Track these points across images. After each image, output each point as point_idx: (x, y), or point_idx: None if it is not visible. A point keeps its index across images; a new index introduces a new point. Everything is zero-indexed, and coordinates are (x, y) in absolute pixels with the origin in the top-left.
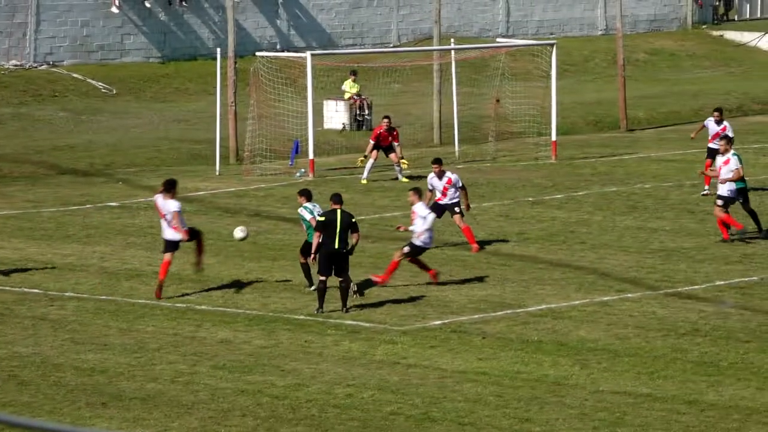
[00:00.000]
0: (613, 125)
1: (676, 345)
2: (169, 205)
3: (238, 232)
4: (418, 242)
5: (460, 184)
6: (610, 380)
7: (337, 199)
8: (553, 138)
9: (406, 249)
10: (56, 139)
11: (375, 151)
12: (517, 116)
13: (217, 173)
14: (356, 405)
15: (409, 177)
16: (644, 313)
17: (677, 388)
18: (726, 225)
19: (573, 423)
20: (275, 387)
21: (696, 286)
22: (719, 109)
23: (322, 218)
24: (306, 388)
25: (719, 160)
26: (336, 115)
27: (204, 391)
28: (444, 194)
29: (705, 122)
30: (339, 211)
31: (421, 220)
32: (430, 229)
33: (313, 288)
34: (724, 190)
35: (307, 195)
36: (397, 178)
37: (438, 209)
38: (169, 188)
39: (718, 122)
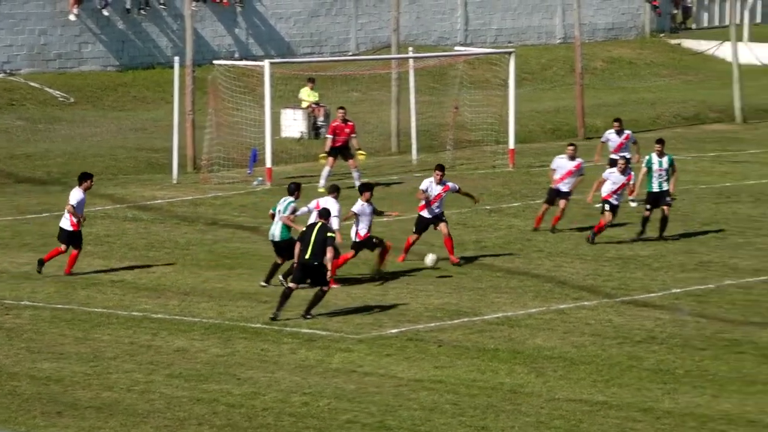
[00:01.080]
0: (570, 133)
1: (632, 353)
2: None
3: (429, 261)
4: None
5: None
6: (566, 388)
7: (321, 212)
8: (511, 146)
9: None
10: (13, 147)
11: (332, 158)
12: (475, 124)
13: (175, 182)
14: (312, 413)
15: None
16: (600, 321)
17: (633, 396)
18: (600, 230)
19: (529, 431)
20: (231, 395)
21: (652, 294)
22: (618, 120)
23: (303, 230)
24: (262, 396)
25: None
26: (294, 124)
27: (160, 400)
28: (432, 202)
29: (604, 135)
30: (318, 225)
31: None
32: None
33: (263, 284)
34: (615, 199)
35: (288, 189)
36: (354, 186)
37: (421, 224)
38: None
39: (619, 132)
